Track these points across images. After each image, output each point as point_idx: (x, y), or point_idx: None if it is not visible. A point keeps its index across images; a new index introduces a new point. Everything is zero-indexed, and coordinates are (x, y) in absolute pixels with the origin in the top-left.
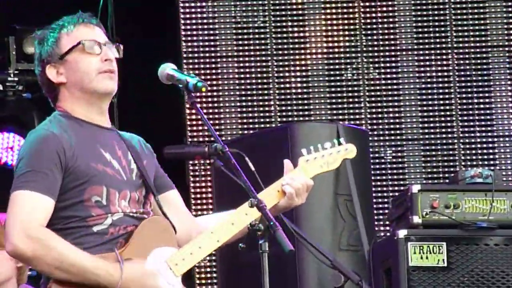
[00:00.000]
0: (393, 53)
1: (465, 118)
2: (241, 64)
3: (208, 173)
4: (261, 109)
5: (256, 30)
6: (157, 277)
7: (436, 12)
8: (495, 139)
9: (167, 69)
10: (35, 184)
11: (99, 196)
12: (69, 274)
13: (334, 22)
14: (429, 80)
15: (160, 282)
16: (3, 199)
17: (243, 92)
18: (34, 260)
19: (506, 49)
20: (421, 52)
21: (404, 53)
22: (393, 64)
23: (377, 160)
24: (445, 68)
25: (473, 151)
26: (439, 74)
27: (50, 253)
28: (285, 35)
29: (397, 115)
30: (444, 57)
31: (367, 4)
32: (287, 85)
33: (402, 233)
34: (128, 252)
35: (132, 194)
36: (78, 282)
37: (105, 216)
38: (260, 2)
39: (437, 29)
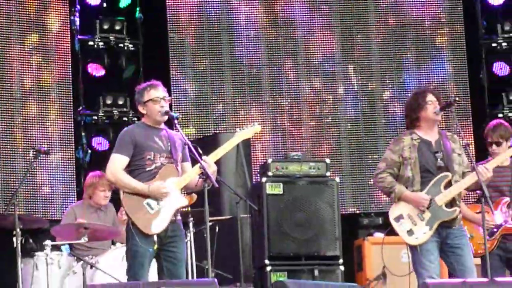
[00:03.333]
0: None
1: (294, 135)
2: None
3: None
4: (205, 126)
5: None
6: (167, 187)
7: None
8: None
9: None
10: (121, 150)
11: (150, 155)
12: (128, 190)
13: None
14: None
15: (168, 187)
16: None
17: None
18: (113, 184)
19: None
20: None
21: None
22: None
23: (255, 150)
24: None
25: (295, 145)
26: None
27: (120, 182)
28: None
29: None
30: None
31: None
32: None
33: (264, 179)
34: (156, 179)
35: (167, 154)
36: (133, 194)
37: (152, 164)
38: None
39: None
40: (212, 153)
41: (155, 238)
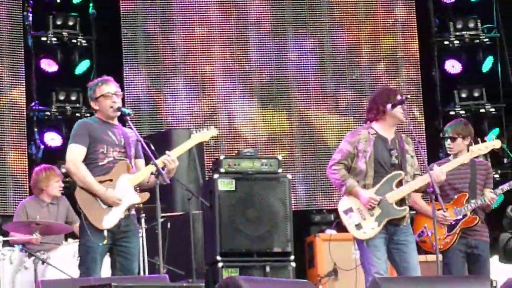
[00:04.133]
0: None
1: (248, 132)
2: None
3: None
4: (158, 122)
5: None
6: (119, 195)
7: None
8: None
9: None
10: (79, 141)
11: (103, 149)
12: (84, 185)
13: None
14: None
15: (119, 195)
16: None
17: (152, 114)
18: (72, 175)
19: None
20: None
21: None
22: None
23: (207, 146)
24: None
25: (248, 141)
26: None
27: (79, 174)
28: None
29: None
30: None
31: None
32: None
33: (216, 176)
34: (110, 175)
35: (120, 149)
36: (87, 190)
37: (104, 158)
38: None
39: None
40: (173, 149)
41: (106, 233)
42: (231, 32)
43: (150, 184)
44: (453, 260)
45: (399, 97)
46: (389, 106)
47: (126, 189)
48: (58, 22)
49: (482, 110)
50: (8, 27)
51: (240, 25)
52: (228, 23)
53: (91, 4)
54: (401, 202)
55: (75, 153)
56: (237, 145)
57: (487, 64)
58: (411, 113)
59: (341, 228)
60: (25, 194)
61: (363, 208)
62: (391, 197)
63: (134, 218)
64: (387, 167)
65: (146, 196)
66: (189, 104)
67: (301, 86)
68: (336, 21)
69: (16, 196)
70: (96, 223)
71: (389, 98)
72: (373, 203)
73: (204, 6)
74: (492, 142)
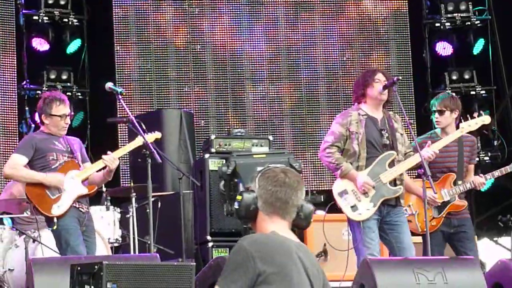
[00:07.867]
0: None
1: (238, 112)
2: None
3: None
4: (148, 102)
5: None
6: (65, 179)
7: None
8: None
9: (109, 84)
10: (22, 152)
11: (52, 156)
12: (28, 178)
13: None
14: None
15: (66, 181)
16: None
17: (143, 93)
18: (13, 176)
19: None
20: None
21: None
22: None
23: (198, 126)
24: None
25: (239, 121)
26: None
27: (17, 173)
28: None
29: (206, 106)
30: None
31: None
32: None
33: (206, 156)
34: (59, 171)
35: (68, 154)
36: (34, 185)
37: (55, 162)
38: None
39: None
40: (116, 150)
41: (55, 220)
42: (222, 13)
43: (102, 182)
44: (435, 242)
45: (379, 74)
46: (380, 88)
47: (73, 181)
48: (50, 1)
49: (473, 93)
50: (0, 6)
51: (231, 2)
52: (219, 1)
53: None
54: (395, 181)
55: (14, 160)
56: (227, 125)
57: (478, 46)
58: (401, 95)
59: (332, 209)
60: None
61: (358, 190)
62: (384, 177)
63: (90, 215)
64: (379, 147)
65: (93, 188)
66: (180, 84)
67: (292, 68)
68: (327, 4)
69: None
70: (46, 211)
71: (365, 79)
72: (367, 188)
73: None
74: (482, 117)
